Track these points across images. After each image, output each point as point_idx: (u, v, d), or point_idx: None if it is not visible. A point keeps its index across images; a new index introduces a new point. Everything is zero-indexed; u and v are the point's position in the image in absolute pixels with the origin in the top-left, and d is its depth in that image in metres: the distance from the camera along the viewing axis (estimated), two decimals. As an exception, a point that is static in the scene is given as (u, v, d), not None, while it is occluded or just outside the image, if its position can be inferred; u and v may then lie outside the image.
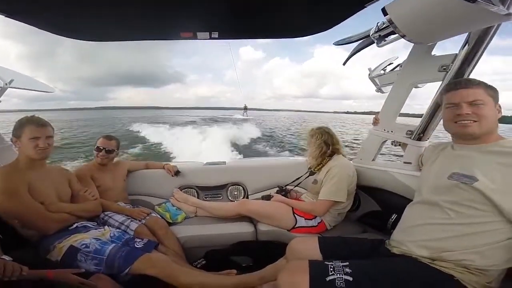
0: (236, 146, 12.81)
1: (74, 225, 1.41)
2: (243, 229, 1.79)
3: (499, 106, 0.98)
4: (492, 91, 0.97)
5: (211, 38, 1.53)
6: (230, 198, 2.25)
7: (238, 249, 1.75)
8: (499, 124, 0.99)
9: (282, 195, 1.90)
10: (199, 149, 10.88)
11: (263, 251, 1.72)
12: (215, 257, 1.72)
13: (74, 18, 1.32)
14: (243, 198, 2.24)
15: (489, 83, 0.98)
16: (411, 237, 1.01)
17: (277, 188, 2.04)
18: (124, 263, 1.21)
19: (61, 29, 1.45)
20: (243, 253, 1.73)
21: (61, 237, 1.31)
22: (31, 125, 1.34)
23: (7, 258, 0.97)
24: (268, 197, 1.90)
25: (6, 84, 1.73)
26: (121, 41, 1.70)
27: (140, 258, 1.23)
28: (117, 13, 1.29)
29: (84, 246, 1.26)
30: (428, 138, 1.52)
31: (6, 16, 1.17)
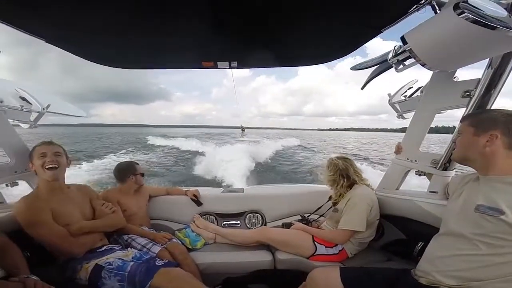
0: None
1: (103, 248, 1.52)
2: (261, 257, 1.82)
3: (495, 136, 0.99)
4: (476, 121, 1.06)
5: (230, 67, 1.67)
6: (248, 225, 2.30)
7: (256, 277, 1.77)
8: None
9: (304, 224, 1.94)
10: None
11: (280, 280, 1.73)
12: (233, 285, 1.76)
13: (102, 46, 1.51)
14: (261, 226, 2.28)
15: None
16: (439, 267, 1.03)
17: (298, 217, 2.08)
18: (144, 278, 1.28)
19: (92, 56, 1.63)
20: (261, 281, 1.74)
21: (89, 259, 1.42)
22: (39, 146, 1.47)
23: (34, 277, 1.07)
24: (288, 225, 1.95)
25: (43, 109, 1.82)
26: (145, 69, 1.86)
27: (159, 271, 1.30)
28: (142, 43, 1.45)
29: (107, 264, 1.37)
30: (454, 168, 1.52)
31: (45, 42, 1.36)
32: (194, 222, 2.17)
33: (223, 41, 1.42)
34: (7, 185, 1.56)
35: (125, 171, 2.05)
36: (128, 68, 1.82)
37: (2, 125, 1.51)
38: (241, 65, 1.68)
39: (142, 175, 2.09)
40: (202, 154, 16.37)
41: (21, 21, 1.18)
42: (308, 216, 2.09)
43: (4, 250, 1.19)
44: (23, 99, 1.72)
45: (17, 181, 1.60)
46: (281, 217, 2.28)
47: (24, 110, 1.69)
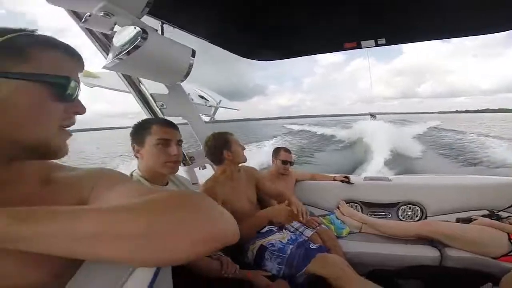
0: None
1: (265, 229, 1.61)
2: (423, 253, 1.67)
3: None
4: None
5: (377, 45, 1.56)
6: (401, 218, 2.15)
7: (416, 273, 1.60)
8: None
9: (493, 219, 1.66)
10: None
11: (449, 279, 1.51)
12: (381, 277, 1.63)
13: (250, 41, 1.62)
14: (419, 219, 2.09)
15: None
16: None
17: (484, 212, 1.79)
18: (302, 262, 1.36)
19: (244, 52, 1.78)
20: (420, 277, 1.57)
21: (253, 239, 1.54)
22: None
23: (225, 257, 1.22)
24: (467, 220, 1.71)
25: (217, 104, 2.10)
26: (288, 58, 1.89)
27: (317, 257, 1.36)
28: (285, 31, 1.47)
29: (270, 245, 1.47)
30: None
31: (209, 42, 1.51)
32: (338, 208, 2.19)
33: (370, 18, 1.34)
34: (199, 168, 2.05)
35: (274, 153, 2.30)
36: (276, 60, 1.93)
37: (197, 117, 1.86)
38: (389, 42, 1.54)
39: (288, 164, 2.21)
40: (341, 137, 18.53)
41: (187, 24, 1.36)
42: (498, 212, 1.72)
43: None
44: (202, 97, 2.17)
45: (205, 164, 2.05)
46: (449, 212, 2.00)
47: (207, 105, 2.12)
